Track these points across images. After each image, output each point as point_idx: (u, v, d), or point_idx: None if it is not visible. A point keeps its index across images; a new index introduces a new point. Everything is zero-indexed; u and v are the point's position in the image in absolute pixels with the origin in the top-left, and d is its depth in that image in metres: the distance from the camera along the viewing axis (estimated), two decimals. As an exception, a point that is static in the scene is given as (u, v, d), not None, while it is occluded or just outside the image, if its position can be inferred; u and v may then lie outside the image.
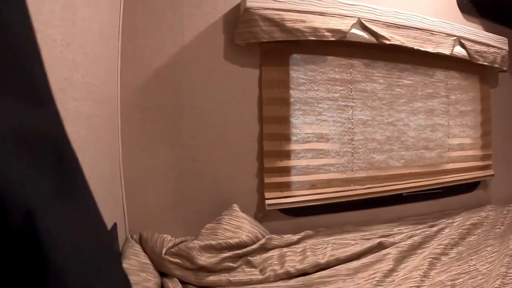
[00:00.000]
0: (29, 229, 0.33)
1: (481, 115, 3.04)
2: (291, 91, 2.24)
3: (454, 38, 2.61)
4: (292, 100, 2.25)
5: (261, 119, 2.17)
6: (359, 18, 2.23)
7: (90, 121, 1.39)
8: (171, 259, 1.73)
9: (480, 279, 1.88)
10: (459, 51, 2.65)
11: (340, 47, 2.33)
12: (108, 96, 1.70)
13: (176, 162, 2.04)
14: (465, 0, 2.94)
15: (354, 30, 2.22)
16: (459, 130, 2.92)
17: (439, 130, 2.81)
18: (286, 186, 2.22)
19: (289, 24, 2.02)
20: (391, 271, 1.92)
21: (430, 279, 1.86)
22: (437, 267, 1.99)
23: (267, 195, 2.16)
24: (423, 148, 2.73)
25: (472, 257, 2.11)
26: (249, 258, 1.87)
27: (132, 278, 1.45)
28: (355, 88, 2.45)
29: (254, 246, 1.92)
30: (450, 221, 2.50)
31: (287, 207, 2.19)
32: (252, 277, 1.79)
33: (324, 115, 2.34)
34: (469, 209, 2.77)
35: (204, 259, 1.76)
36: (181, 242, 1.84)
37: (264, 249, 1.96)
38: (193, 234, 1.93)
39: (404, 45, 2.38)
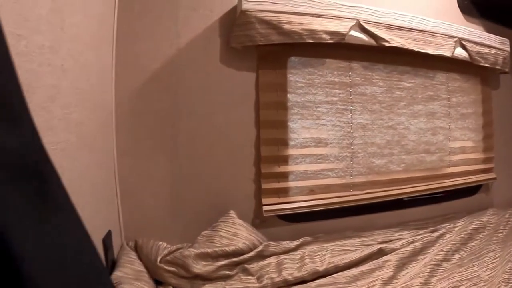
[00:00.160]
0: (2, 246, 0.33)
1: (482, 118, 3.00)
2: (288, 95, 2.21)
3: (455, 39, 2.57)
4: (290, 104, 2.21)
5: (258, 124, 2.14)
6: (358, 20, 2.19)
7: (81, 128, 1.36)
8: (166, 267, 1.70)
9: (482, 286, 1.85)
10: (460, 52, 2.62)
11: (339, 49, 2.30)
12: (101, 102, 1.67)
13: (172, 168, 2.01)
14: (465, 1, 2.90)
15: (353, 32, 2.19)
16: (461, 133, 2.89)
17: (440, 133, 2.77)
18: (284, 191, 2.19)
19: (286, 26, 1.99)
20: (391, 278, 1.88)
21: (431, 287, 1.82)
22: (438, 274, 1.96)
23: (264, 201, 2.12)
24: (423, 152, 2.69)
25: (474, 263, 2.08)
26: (246, 265, 1.84)
27: (126, 287, 1.43)
28: (354, 91, 2.41)
29: (251, 254, 1.88)
30: (451, 226, 2.47)
31: (285, 213, 2.16)
32: (249, 285, 1.76)
33: (323, 119, 2.30)
34: (471, 213, 2.73)
35: (200, 267, 1.73)
36: (177, 249, 1.81)
37: (261, 256, 1.92)
38: (190, 240, 1.90)
39: (404, 47, 2.35)
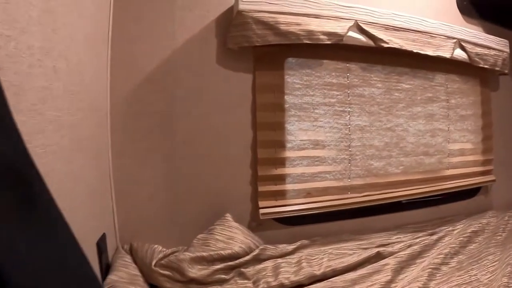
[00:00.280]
0: None
1: (482, 119, 2.99)
2: (286, 97, 2.19)
3: (454, 40, 2.56)
4: (287, 105, 2.19)
5: (255, 126, 2.12)
6: (356, 20, 2.17)
7: (74, 130, 1.33)
8: (161, 271, 1.68)
9: (481, 290, 1.83)
10: (459, 54, 2.60)
11: (337, 50, 2.28)
12: (96, 103, 1.65)
13: (168, 170, 1.99)
14: (465, 2, 2.89)
15: (351, 33, 2.17)
16: (460, 135, 2.87)
17: (439, 135, 2.76)
18: (281, 194, 2.17)
19: (283, 27, 1.96)
20: (389, 282, 1.86)
21: (430, 291, 1.81)
22: (437, 278, 1.94)
23: (261, 203, 2.10)
24: (422, 154, 2.67)
25: (473, 267, 2.06)
26: (242, 269, 1.81)
27: (120, 292, 1.41)
28: (352, 93, 2.39)
29: (247, 257, 1.86)
30: (450, 228, 2.45)
31: (282, 216, 2.13)
32: (245, 289, 1.74)
33: (320, 121, 2.28)
34: (470, 215, 2.72)
35: (195, 271, 1.70)
36: (172, 253, 1.78)
37: (257, 260, 1.90)
38: (186, 243, 1.88)
39: (403, 48, 2.33)
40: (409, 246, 2.20)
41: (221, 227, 1.93)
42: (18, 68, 0.89)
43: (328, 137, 2.31)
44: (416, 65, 2.61)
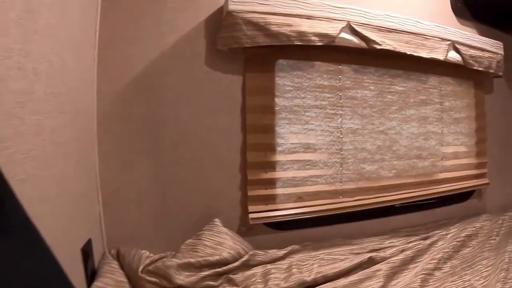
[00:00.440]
0: None
1: (475, 122, 2.98)
2: (276, 99, 2.15)
3: (448, 42, 2.54)
4: (278, 108, 2.16)
5: (245, 128, 2.08)
6: (348, 21, 2.14)
7: (57, 134, 1.30)
8: (147, 277, 1.64)
9: (475, 296, 1.81)
10: (453, 56, 2.58)
11: (329, 52, 2.25)
12: (82, 106, 1.61)
13: (156, 174, 1.95)
14: (459, 3, 2.87)
15: (343, 35, 2.14)
16: (453, 138, 2.85)
17: (432, 138, 2.73)
18: (271, 198, 2.13)
19: (274, 28, 1.93)
20: (381, 289, 1.84)
21: (422, 298, 1.79)
22: (430, 284, 1.93)
23: (251, 208, 2.06)
24: (415, 157, 2.65)
25: (467, 272, 2.05)
26: (230, 276, 1.78)
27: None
28: (344, 95, 2.36)
29: (236, 263, 1.82)
30: (444, 232, 2.44)
31: (272, 220, 2.10)
32: (233, 296, 1.71)
33: (312, 124, 2.25)
34: (464, 218, 2.71)
35: (183, 278, 1.67)
36: (160, 258, 1.75)
37: (247, 266, 1.87)
38: (174, 248, 1.85)
39: (396, 50, 2.30)
40: (402, 251, 2.17)
41: (209, 233, 1.89)
42: (-6, 71, 0.86)
43: (319, 140, 2.28)
44: (409, 67, 2.59)
